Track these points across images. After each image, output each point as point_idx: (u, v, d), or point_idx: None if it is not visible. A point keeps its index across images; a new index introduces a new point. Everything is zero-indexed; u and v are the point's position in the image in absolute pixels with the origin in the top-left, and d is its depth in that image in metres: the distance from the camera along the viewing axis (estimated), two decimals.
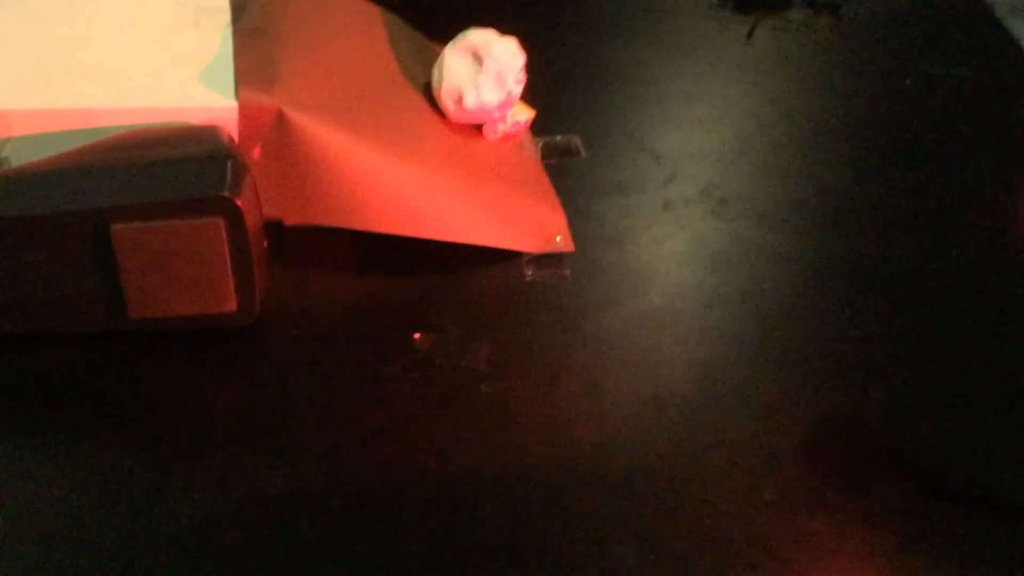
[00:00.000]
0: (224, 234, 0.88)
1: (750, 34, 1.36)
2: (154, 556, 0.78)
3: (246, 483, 0.83)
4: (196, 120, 0.97)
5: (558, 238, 1.05)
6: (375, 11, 1.20)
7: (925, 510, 0.84)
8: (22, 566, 0.77)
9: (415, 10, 1.25)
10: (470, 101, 1.03)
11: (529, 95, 1.21)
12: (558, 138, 1.18)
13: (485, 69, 1.02)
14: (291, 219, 1.01)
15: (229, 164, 0.89)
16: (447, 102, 1.05)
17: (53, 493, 0.82)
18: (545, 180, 1.12)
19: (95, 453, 0.85)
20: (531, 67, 1.21)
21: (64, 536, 0.79)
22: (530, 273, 1.02)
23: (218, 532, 0.80)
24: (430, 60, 1.15)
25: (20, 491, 0.82)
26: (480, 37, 1.04)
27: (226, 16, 1.08)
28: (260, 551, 0.79)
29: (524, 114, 1.12)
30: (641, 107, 1.21)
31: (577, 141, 1.18)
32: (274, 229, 0.98)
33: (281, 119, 0.97)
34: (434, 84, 1.06)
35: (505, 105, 1.05)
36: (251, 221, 0.89)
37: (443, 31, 1.24)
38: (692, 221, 1.09)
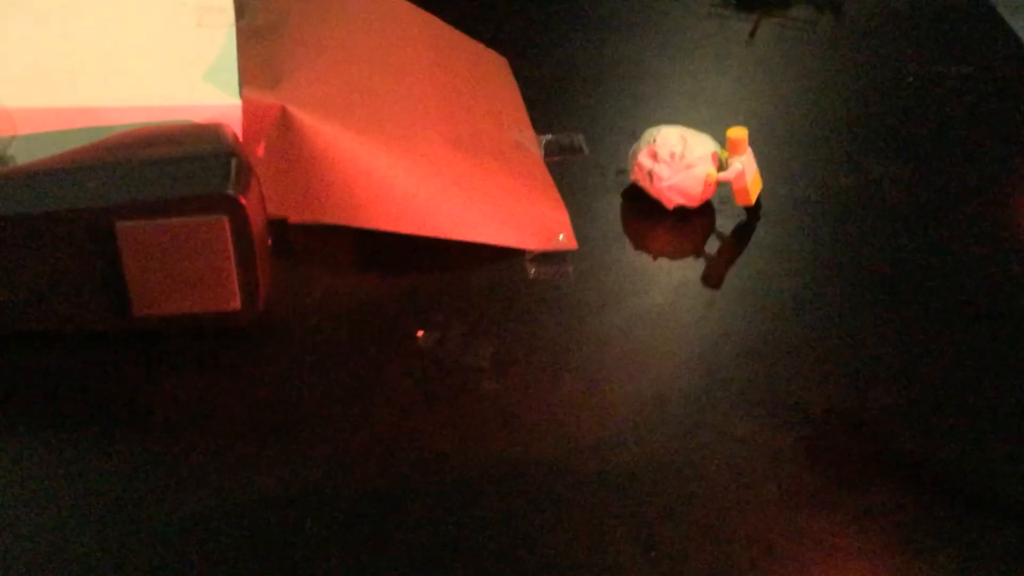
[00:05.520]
0: (228, 232, 0.88)
1: (753, 32, 1.36)
2: (156, 555, 0.79)
3: (248, 482, 0.84)
4: (200, 118, 0.97)
5: (561, 236, 1.05)
6: (389, 6, 1.20)
7: (925, 510, 0.84)
8: (23, 565, 0.78)
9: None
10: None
11: (532, 93, 1.22)
12: (561, 136, 1.18)
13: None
14: (295, 217, 1.01)
15: (233, 162, 0.90)
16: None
17: (55, 493, 0.82)
18: (548, 178, 1.12)
19: (97, 452, 0.85)
20: (534, 65, 1.22)
21: (66, 535, 0.80)
22: (533, 271, 1.02)
23: (220, 532, 0.80)
24: (456, 51, 1.14)
25: (21, 490, 0.82)
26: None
27: (230, 14, 1.08)
28: (262, 551, 0.79)
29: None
30: (643, 105, 1.21)
31: (580, 139, 1.18)
32: (278, 227, 0.98)
33: (285, 117, 0.98)
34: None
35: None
36: (255, 219, 0.89)
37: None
38: (694, 219, 1.09)
